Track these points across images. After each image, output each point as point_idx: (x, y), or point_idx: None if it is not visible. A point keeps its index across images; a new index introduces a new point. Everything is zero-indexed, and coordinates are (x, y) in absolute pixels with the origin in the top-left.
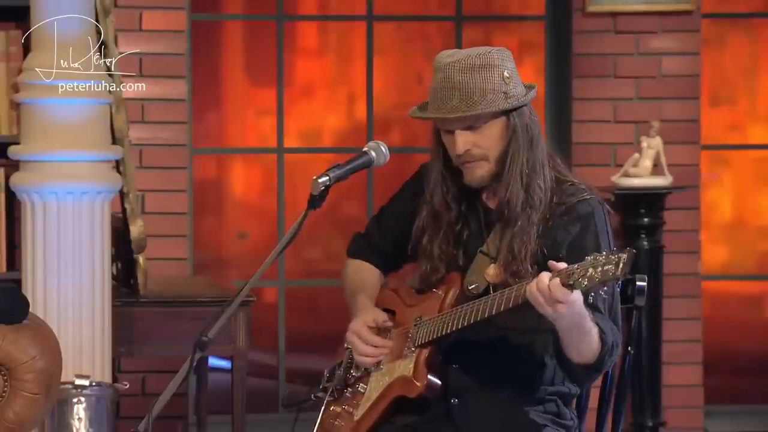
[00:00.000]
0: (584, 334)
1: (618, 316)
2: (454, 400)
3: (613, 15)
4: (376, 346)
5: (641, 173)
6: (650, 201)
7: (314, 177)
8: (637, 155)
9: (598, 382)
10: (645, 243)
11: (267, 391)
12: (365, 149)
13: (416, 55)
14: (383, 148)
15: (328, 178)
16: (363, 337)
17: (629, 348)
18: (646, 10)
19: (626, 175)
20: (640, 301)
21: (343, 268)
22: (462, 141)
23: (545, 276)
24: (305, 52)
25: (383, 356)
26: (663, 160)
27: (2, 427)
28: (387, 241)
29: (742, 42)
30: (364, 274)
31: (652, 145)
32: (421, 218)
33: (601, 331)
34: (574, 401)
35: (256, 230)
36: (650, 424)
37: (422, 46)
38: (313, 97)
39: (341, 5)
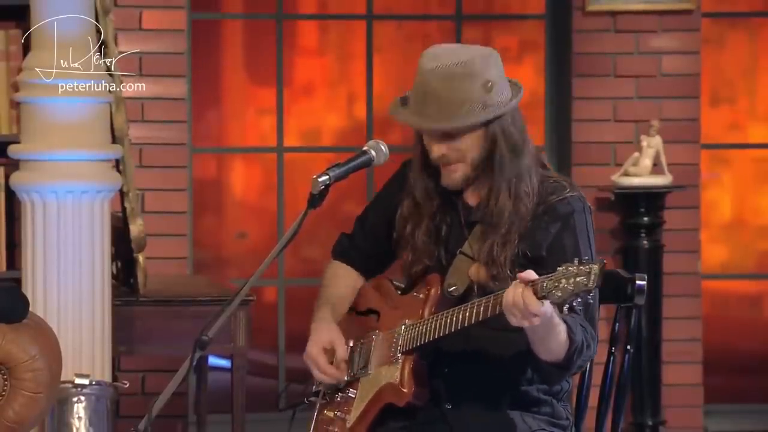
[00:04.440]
0: (551, 331)
1: (595, 317)
2: (448, 405)
3: (613, 14)
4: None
5: (641, 172)
6: (650, 200)
7: (314, 176)
8: (637, 154)
9: (598, 380)
10: (645, 242)
11: (267, 391)
12: (365, 148)
13: (416, 54)
14: (383, 147)
15: (327, 177)
16: (319, 366)
17: (629, 347)
18: (646, 9)
19: (626, 174)
20: (640, 300)
21: (325, 269)
22: (437, 149)
23: (519, 288)
24: (305, 52)
25: (342, 382)
26: (663, 159)
27: (2, 426)
28: (369, 241)
29: (742, 41)
30: (338, 280)
31: (652, 145)
32: (404, 207)
33: (570, 330)
34: (572, 398)
35: (255, 230)
36: (650, 423)
37: (422, 45)
38: (313, 96)
39: (341, 4)
